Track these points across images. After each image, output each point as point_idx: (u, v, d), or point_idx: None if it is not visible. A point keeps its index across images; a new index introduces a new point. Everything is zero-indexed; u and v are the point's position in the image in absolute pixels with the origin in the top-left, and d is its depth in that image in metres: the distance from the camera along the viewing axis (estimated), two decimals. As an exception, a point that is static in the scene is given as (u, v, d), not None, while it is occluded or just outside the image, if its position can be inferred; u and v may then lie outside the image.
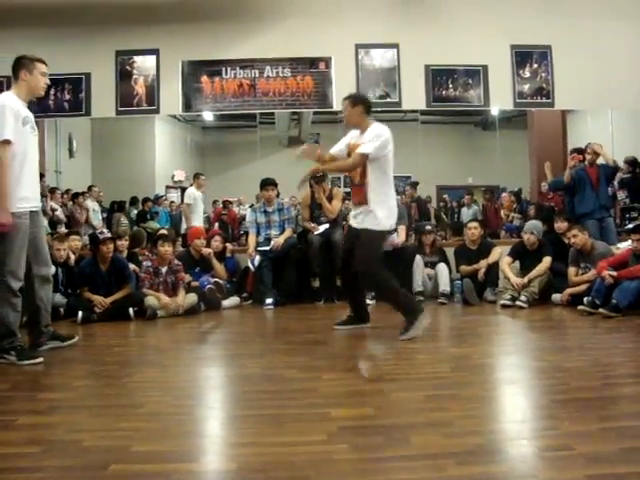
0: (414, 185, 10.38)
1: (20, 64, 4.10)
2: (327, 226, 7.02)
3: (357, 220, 4.71)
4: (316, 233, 6.99)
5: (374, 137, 4.51)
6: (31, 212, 4.04)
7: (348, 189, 11.67)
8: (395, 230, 4.54)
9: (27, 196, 4.00)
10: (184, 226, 8.82)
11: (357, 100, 4.71)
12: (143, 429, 2.51)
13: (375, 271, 4.56)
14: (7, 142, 3.83)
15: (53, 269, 4.41)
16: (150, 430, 2.51)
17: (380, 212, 4.57)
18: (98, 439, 2.39)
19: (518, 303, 5.99)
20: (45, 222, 7.72)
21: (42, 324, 4.24)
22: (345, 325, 5.02)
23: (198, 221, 8.89)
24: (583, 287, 5.83)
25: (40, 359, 3.90)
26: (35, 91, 4.18)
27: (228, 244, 7.42)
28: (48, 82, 4.23)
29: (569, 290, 5.99)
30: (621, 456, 2.08)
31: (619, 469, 1.98)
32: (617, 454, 2.10)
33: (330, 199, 7.18)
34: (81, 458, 2.20)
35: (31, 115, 4.13)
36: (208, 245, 6.96)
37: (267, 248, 6.87)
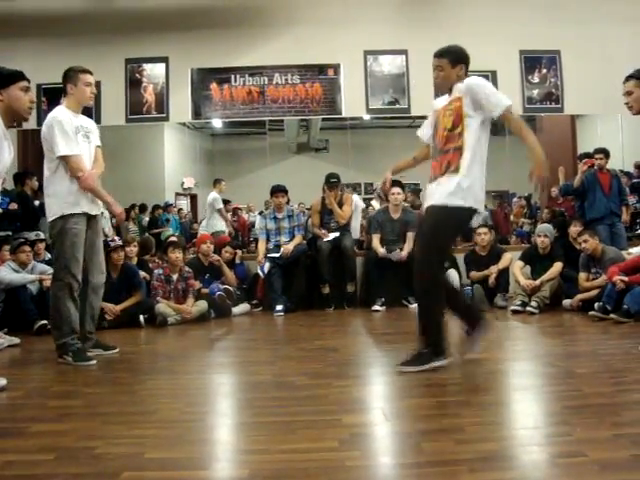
0: (418, 192, 10.34)
1: (66, 77, 4.31)
2: (337, 234, 7.04)
3: (433, 197, 3.68)
4: (325, 240, 7.01)
5: (491, 88, 3.60)
6: (89, 217, 4.29)
7: (368, 195, 11.68)
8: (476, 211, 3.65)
9: (79, 202, 4.21)
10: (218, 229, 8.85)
11: (459, 58, 3.72)
12: (156, 436, 2.51)
13: (431, 272, 3.59)
14: (69, 157, 4.10)
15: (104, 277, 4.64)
16: (163, 437, 2.51)
17: (466, 183, 3.53)
18: (111, 446, 2.40)
19: (529, 309, 5.97)
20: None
21: (86, 329, 4.44)
22: (417, 365, 3.60)
23: (222, 226, 9.02)
24: (594, 292, 5.81)
25: (94, 361, 4.15)
26: (82, 101, 4.37)
27: (238, 250, 7.44)
28: (95, 91, 4.40)
29: (580, 296, 5.97)
30: (634, 463, 2.06)
31: (632, 476, 1.98)
32: (630, 461, 2.08)
33: (340, 205, 7.21)
34: (94, 465, 2.20)
35: (85, 123, 4.37)
36: (218, 253, 6.97)
37: (277, 255, 6.89)
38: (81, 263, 4.21)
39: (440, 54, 3.74)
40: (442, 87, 3.81)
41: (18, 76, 3.43)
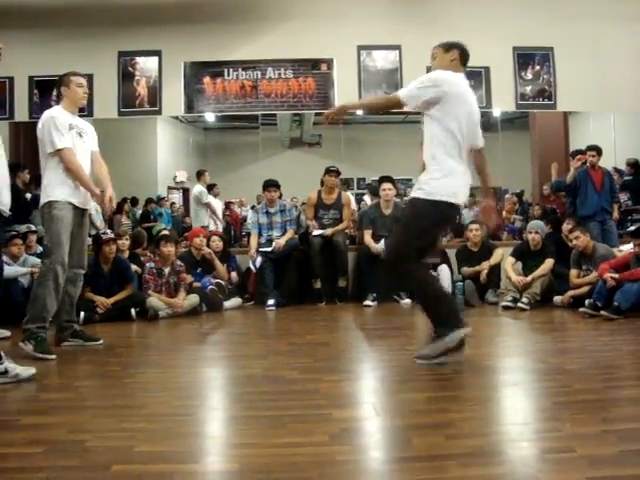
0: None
1: (60, 82, 4.57)
2: (324, 232, 7.01)
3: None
4: (314, 234, 7.01)
5: (417, 80, 3.66)
6: (75, 209, 4.36)
7: (360, 190, 11.69)
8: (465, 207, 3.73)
9: (67, 192, 4.32)
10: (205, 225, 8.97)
11: (451, 45, 3.78)
12: (146, 430, 2.51)
13: (399, 259, 3.64)
14: (61, 150, 4.26)
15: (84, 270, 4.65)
16: (153, 431, 2.51)
17: (429, 175, 3.62)
18: (100, 439, 2.39)
19: (520, 305, 5.99)
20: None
21: (63, 318, 4.48)
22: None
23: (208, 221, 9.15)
24: (585, 289, 5.83)
25: (54, 356, 4.07)
26: (76, 101, 4.58)
27: (236, 254, 7.43)
28: (87, 91, 4.62)
29: (571, 292, 5.99)
30: (622, 458, 2.08)
31: (620, 471, 1.98)
32: (618, 456, 2.09)
33: (340, 205, 7.23)
34: (83, 458, 2.20)
35: (80, 123, 4.58)
36: (207, 246, 6.95)
37: (269, 249, 6.89)
38: (66, 249, 4.24)
39: (435, 47, 3.82)
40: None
41: None
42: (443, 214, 3.64)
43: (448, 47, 3.76)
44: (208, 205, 9.15)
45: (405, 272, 3.65)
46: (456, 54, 3.75)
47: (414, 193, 3.67)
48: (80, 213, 4.44)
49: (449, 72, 3.66)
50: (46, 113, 4.41)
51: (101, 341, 4.61)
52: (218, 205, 9.75)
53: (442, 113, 3.57)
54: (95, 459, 2.19)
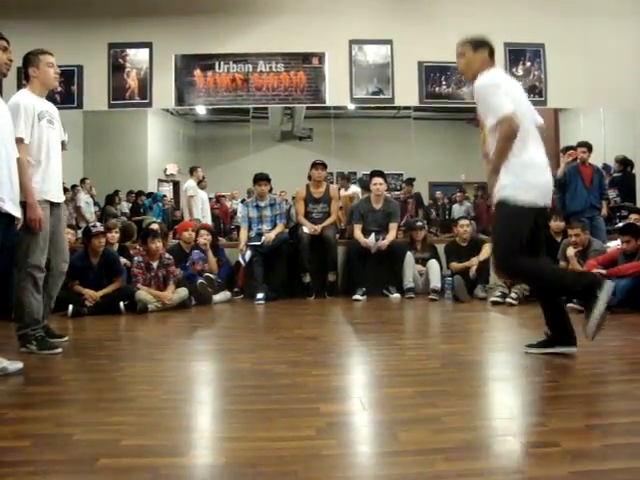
0: (411, 181, 10.38)
1: (27, 61, 4.14)
2: (313, 231, 7.02)
3: None
4: (304, 231, 7.00)
5: (486, 90, 3.48)
6: (51, 204, 4.12)
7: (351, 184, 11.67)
8: (546, 209, 3.61)
9: (44, 188, 4.04)
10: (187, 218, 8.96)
11: (479, 43, 3.70)
12: (133, 423, 2.51)
13: (512, 261, 3.52)
14: (21, 140, 3.85)
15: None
16: (140, 424, 2.51)
17: (505, 178, 3.43)
18: (88, 433, 2.39)
19: (508, 300, 6.01)
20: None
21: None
22: (540, 348, 3.75)
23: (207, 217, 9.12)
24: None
25: (60, 349, 4.02)
26: (47, 83, 4.19)
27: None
28: (58, 71, 4.25)
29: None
30: (605, 452, 2.10)
31: (603, 466, 2.00)
32: (602, 451, 2.12)
33: (329, 199, 7.23)
34: (70, 452, 2.20)
35: (50, 109, 4.19)
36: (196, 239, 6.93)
37: (258, 243, 6.89)
38: (45, 251, 4.04)
39: (459, 44, 3.75)
40: (468, 72, 3.73)
41: None
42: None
43: (476, 45, 3.70)
44: (189, 200, 9.15)
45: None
46: (486, 53, 3.70)
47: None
48: (56, 206, 4.19)
49: (493, 71, 3.61)
50: (13, 99, 3.97)
51: (66, 338, 4.41)
52: (205, 198, 9.72)
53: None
54: (82, 453, 2.19)
